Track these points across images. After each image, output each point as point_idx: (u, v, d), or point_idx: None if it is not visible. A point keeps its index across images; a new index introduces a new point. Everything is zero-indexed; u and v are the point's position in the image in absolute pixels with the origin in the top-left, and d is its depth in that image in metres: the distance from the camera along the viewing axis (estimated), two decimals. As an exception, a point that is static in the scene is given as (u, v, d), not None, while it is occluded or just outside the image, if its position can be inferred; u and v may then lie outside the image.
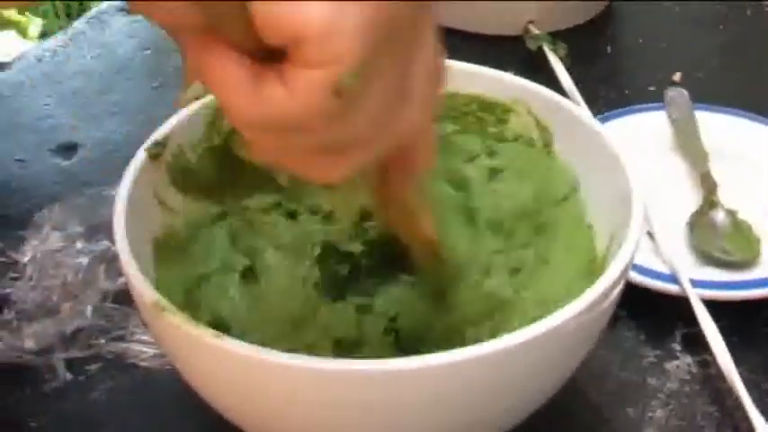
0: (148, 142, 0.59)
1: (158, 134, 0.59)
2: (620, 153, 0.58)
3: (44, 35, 2.20)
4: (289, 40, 0.38)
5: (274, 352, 0.47)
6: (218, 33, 0.39)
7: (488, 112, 0.64)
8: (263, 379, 0.48)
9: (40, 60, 0.99)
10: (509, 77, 0.64)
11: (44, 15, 2.34)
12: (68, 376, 0.64)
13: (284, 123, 0.40)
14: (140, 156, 0.58)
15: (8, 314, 0.67)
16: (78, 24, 1.06)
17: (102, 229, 0.72)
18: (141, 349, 0.65)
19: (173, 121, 0.60)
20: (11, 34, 2.28)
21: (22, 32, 2.28)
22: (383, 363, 0.47)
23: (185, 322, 0.48)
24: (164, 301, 0.49)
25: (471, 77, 0.64)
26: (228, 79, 0.40)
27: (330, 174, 0.44)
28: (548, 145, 0.63)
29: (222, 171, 0.61)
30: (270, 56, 0.39)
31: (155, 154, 0.58)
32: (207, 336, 0.48)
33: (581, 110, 0.62)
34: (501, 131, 0.64)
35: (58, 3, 2.36)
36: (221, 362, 0.48)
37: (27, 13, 2.34)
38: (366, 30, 0.38)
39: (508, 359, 0.48)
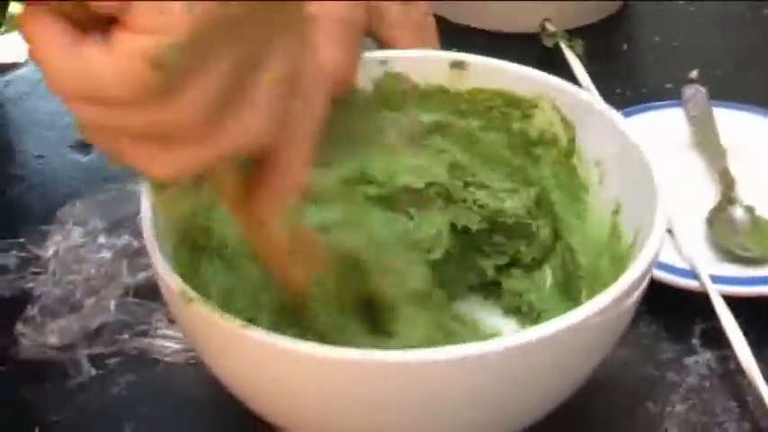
0: None
1: None
2: (644, 149, 0.58)
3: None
4: (116, 6, 0.37)
5: (302, 342, 0.47)
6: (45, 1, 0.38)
7: (513, 108, 0.64)
8: (290, 370, 0.48)
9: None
10: (534, 73, 0.64)
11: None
12: (92, 372, 0.65)
13: (98, 88, 0.38)
14: None
15: (31, 310, 0.67)
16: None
17: (123, 225, 0.72)
18: (164, 344, 0.65)
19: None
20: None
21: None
22: (407, 354, 0.47)
23: (213, 312, 0.49)
24: (191, 292, 0.50)
25: (496, 73, 0.64)
26: (47, 40, 0.38)
27: (155, 167, 0.42)
28: (571, 140, 0.63)
29: None
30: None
31: None
32: (235, 326, 0.48)
33: (605, 106, 0.62)
34: (525, 128, 0.65)
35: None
36: (249, 352, 0.49)
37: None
38: (201, 7, 0.37)
39: (530, 354, 0.48)
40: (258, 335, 0.47)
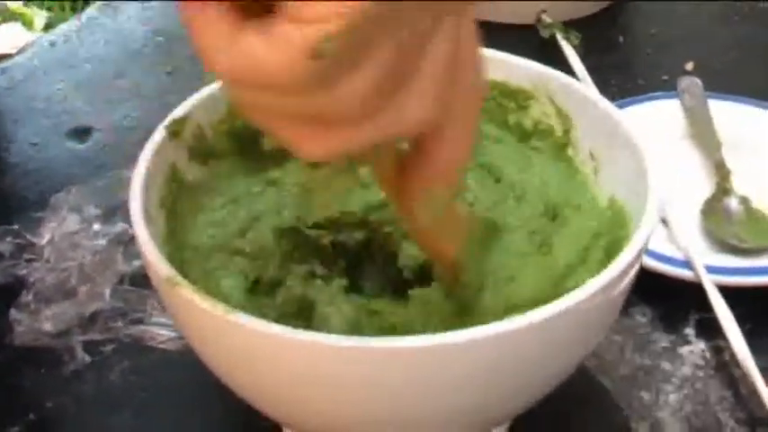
0: (168, 119, 0.59)
1: (178, 112, 0.59)
2: (639, 140, 0.58)
3: (49, 27, 2.20)
4: None
5: (286, 327, 0.47)
6: None
7: (509, 99, 0.64)
8: (274, 354, 0.48)
9: (53, 45, 0.99)
10: (530, 64, 0.64)
11: (49, 9, 2.34)
12: (87, 358, 0.65)
13: (258, 76, 0.39)
14: (159, 133, 0.58)
15: (26, 296, 0.67)
16: (90, 11, 1.06)
17: (118, 212, 0.72)
18: (159, 332, 0.65)
19: (192, 100, 0.60)
20: (16, 26, 2.28)
21: (28, 24, 2.29)
22: (396, 340, 0.47)
23: (197, 296, 0.49)
24: (177, 276, 0.50)
25: (492, 63, 0.64)
26: (208, 25, 0.39)
27: (313, 147, 0.43)
28: (566, 132, 0.63)
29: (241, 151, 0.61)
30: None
31: (174, 131, 0.59)
32: (218, 310, 0.48)
33: (600, 97, 0.62)
34: (520, 120, 0.65)
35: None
36: (231, 337, 0.49)
37: (32, 6, 2.35)
38: (361, 5, 0.37)
39: (521, 339, 0.48)
40: (241, 319, 0.47)
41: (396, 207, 0.52)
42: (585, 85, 0.64)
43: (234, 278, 0.57)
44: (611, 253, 0.58)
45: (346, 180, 0.53)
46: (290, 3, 0.37)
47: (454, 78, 0.44)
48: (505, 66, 0.65)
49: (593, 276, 0.50)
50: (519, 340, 0.48)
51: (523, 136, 0.65)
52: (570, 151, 0.63)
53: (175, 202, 0.58)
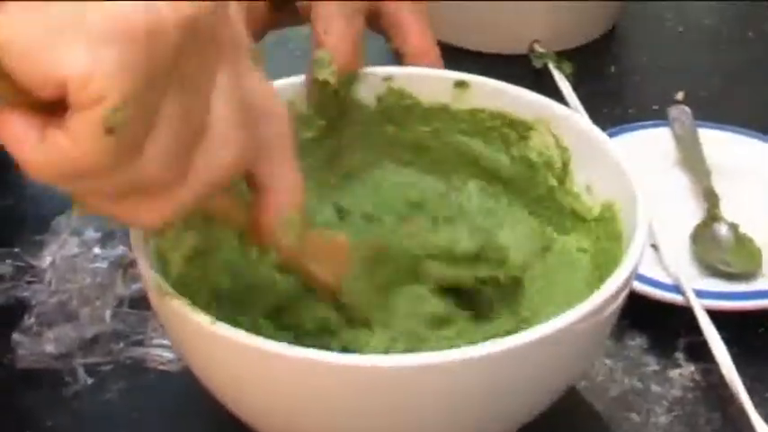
0: None
1: None
2: (633, 177, 0.59)
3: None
4: (55, 89, 0.39)
5: (268, 341, 0.48)
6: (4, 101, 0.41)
7: (511, 129, 0.66)
8: (256, 367, 0.49)
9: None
10: (532, 95, 0.65)
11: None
12: (88, 380, 0.65)
13: (72, 168, 0.41)
14: None
15: (28, 319, 0.68)
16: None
17: (118, 235, 0.73)
18: (160, 353, 0.66)
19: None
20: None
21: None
22: (375, 359, 0.48)
23: (184, 307, 0.50)
24: (166, 286, 0.51)
25: (496, 93, 0.66)
26: (15, 135, 0.41)
27: (142, 218, 0.45)
28: (566, 164, 0.64)
29: None
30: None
31: None
32: (204, 321, 0.49)
33: (598, 131, 0.63)
34: (524, 152, 0.66)
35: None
36: (216, 348, 0.50)
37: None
38: (126, 67, 0.39)
39: (510, 361, 0.49)
40: (226, 331, 0.49)
41: (258, 245, 0.54)
42: (584, 119, 0.64)
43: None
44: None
45: (199, 234, 0.57)
46: (68, 94, 0.39)
47: (251, 119, 0.47)
48: (509, 96, 0.66)
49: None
50: (509, 361, 0.49)
51: (529, 167, 0.66)
52: (568, 184, 0.65)
53: None
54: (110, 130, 0.39)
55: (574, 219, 0.64)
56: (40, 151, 0.40)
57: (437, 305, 0.61)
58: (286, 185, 0.51)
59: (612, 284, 0.52)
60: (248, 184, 0.51)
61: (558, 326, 0.49)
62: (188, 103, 0.43)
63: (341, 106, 0.66)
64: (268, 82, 0.50)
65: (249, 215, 0.52)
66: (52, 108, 0.40)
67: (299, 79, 0.66)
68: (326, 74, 0.63)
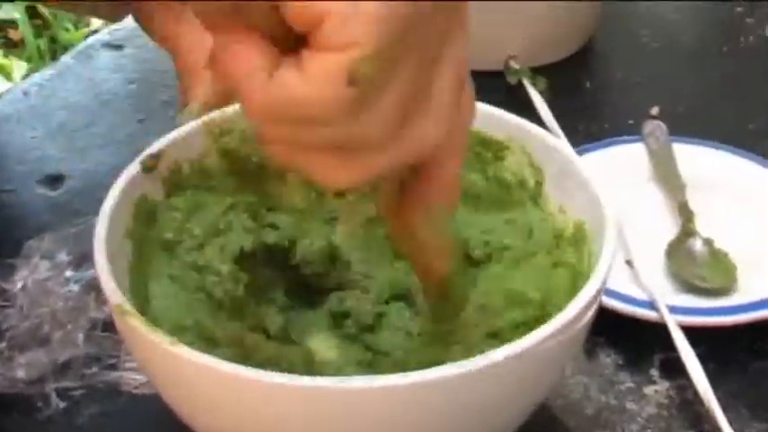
0: (143, 155, 0.60)
1: (154, 147, 0.61)
2: (603, 197, 0.59)
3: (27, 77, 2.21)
4: (308, 21, 0.38)
5: (225, 363, 0.48)
6: (243, 18, 0.39)
7: (486, 149, 0.66)
8: (213, 388, 0.49)
9: (26, 94, 1.00)
10: (505, 115, 0.65)
11: (28, 60, 2.35)
12: (61, 405, 0.65)
13: (297, 109, 0.39)
14: (132, 168, 0.60)
15: (0, 344, 0.67)
16: (65, 59, 1.07)
17: (90, 258, 0.72)
18: (133, 377, 0.66)
19: (168, 137, 0.62)
20: (-6, 78, 2.29)
21: (7, 75, 2.30)
22: (337, 380, 0.48)
23: (144, 326, 0.50)
24: (127, 305, 0.51)
25: None
26: (245, 61, 0.39)
27: (336, 176, 0.43)
28: (539, 184, 0.64)
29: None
30: (296, 47, 0.39)
31: (149, 166, 0.60)
32: (163, 342, 0.49)
33: (570, 150, 0.63)
34: (500, 173, 0.66)
35: (43, 45, 2.38)
36: (175, 368, 0.50)
37: (12, 58, 2.36)
38: (384, 18, 0.38)
39: (471, 383, 0.49)
40: (183, 352, 0.48)
41: (392, 227, 0.52)
42: (557, 138, 0.64)
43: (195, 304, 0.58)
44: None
45: (369, 206, 0.54)
46: (317, 32, 0.38)
47: (459, 101, 0.45)
48: (482, 115, 0.65)
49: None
50: (469, 383, 0.49)
51: (504, 188, 0.66)
52: (542, 203, 0.65)
53: (142, 233, 0.59)
54: (353, 80, 0.38)
55: (548, 238, 0.64)
56: (269, 85, 0.39)
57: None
58: (452, 176, 0.49)
59: (577, 304, 0.52)
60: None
61: (523, 345, 0.49)
62: (421, 68, 0.42)
63: None
64: (470, 79, 0.48)
65: (399, 191, 0.49)
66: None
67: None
68: None
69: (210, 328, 0.56)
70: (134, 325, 0.50)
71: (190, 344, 0.50)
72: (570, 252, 0.61)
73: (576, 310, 0.51)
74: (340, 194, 0.53)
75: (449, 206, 0.50)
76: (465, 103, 0.47)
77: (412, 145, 0.44)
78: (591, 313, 0.53)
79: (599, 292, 0.53)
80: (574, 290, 0.58)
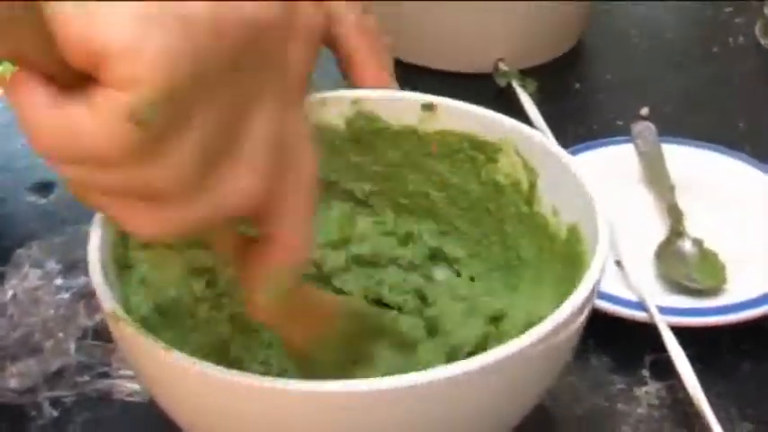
0: None
1: None
2: (595, 197, 0.59)
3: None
4: (90, 57, 0.36)
5: (219, 368, 0.48)
6: (18, 60, 0.38)
7: (479, 151, 0.65)
8: (209, 394, 0.49)
9: (17, 102, 1.00)
10: (498, 117, 0.65)
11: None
12: (54, 414, 0.65)
13: (80, 147, 0.37)
14: None
15: (-10, 354, 0.68)
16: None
17: (79, 266, 0.73)
18: (126, 385, 0.66)
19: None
20: (-14, 85, 2.29)
21: (2, 83, 2.29)
22: (324, 384, 0.47)
23: (138, 333, 0.50)
24: (120, 312, 0.51)
25: (463, 115, 0.65)
26: (33, 101, 0.37)
27: (145, 227, 0.41)
28: (532, 186, 0.64)
29: None
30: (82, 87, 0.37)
31: None
32: (157, 348, 0.49)
33: (562, 151, 0.63)
34: (493, 175, 0.66)
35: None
36: (170, 374, 0.50)
37: (5, 63, 2.36)
38: (173, 57, 0.36)
39: (464, 385, 0.49)
40: (178, 358, 0.48)
41: (239, 286, 0.50)
42: (549, 140, 0.64)
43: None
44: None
45: (182, 259, 0.54)
46: (102, 67, 0.36)
47: (281, 157, 0.43)
48: (475, 118, 0.65)
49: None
50: (463, 386, 0.49)
51: (497, 189, 0.66)
52: (536, 206, 0.65)
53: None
54: (137, 120, 0.36)
55: (542, 240, 0.64)
56: (52, 118, 0.37)
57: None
58: (293, 241, 0.46)
59: (569, 307, 0.52)
60: (254, 224, 0.46)
61: (514, 348, 0.49)
62: (228, 116, 0.40)
63: None
64: (307, 125, 0.46)
65: (243, 257, 0.47)
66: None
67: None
68: None
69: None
70: (129, 332, 0.50)
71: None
72: (563, 254, 0.61)
73: (567, 313, 0.51)
74: (147, 245, 0.53)
75: (289, 272, 0.47)
76: (303, 161, 0.45)
77: (224, 198, 0.41)
78: (584, 315, 0.53)
79: (592, 294, 0.53)
80: (566, 292, 0.58)
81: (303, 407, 0.48)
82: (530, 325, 0.52)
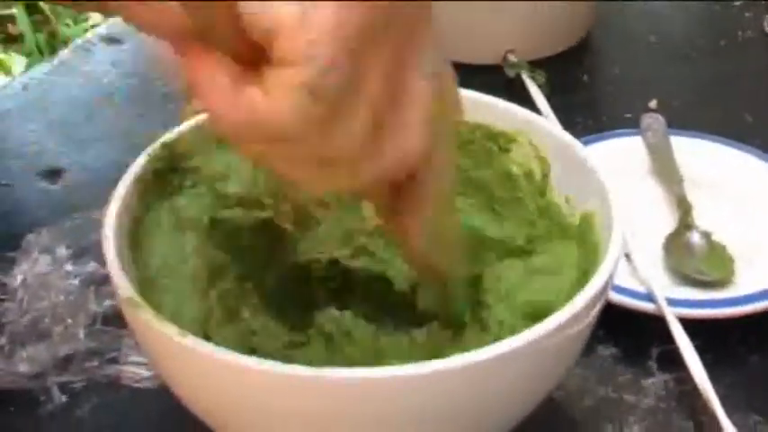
0: (151, 148, 0.60)
1: (162, 140, 0.61)
2: (609, 187, 0.59)
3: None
4: (264, 36, 0.37)
5: (236, 354, 0.48)
6: (206, 38, 0.39)
7: (492, 141, 0.66)
8: (224, 380, 0.49)
9: (25, 88, 1.00)
10: (512, 107, 0.65)
11: (28, 54, 2.35)
12: (63, 399, 0.65)
13: (263, 126, 0.39)
14: (141, 160, 0.60)
15: (0, 339, 0.67)
16: (64, 53, 1.07)
17: (89, 252, 0.73)
18: (135, 371, 0.66)
19: (176, 131, 0.62)
20: (-6, 72, 2.29)
21: (6, 70, 2.30)
22: (346, 371, 0.48)
23: (154, 319, 0.50)
24: (137, 298, 0.51)
25: (475, 105, 0.65)
26: (210, 81, 0.39)
27: (320, 187, 0.44)
28: (545, 176, 0.64)
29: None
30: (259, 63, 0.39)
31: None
32: (173, 333, 0.49)
33: (575, 141, 0.63)
34: (507, 164, 0.66)
35: (43, 40, 2.38)
36: (186, 360, 0.50)
37: (11, 53, 2.36)
38: (340, 29, 0.37)
39: (482, 373, 0.49)
40: (194, 344, 0.49)
41: (391, 233, 0.52)
42: (562, 130, 0.64)
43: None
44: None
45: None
46: (274, 46, 0.37)
47: (440, 109, 0.44)
48: (489, 108, 0.66)
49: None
50: (481, 374, 0.49)
51: (511, 180, 0.66)
52: (549, 195, 0.65)
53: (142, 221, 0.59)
54: (314, 92, 0.37)
55: (555, 230, 0.64)
56: (234, 104, 0.38)
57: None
58: (442, 183, 0.48)
59: (584, 296, 0.52)
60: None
61: (528, 338, 0.49)
62: (390, 77, 0.41)
63: None
64: (455, 86, 0.48)
65: (393, 197, 0.48)
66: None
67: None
68: None
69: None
70: (145, 318, 0.50)
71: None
72: (577, 243, 0.61)
73: (583, 303, 0.51)
74: (324, 204, 0.53)
75: (442, 212, 0.49)
76: (452, 105, 0.46)
77: (392, 157, 0.43)
78: (599, 305, 0.54)
79: (607, 285, 0.53)
80: (580, 282, 0.58)
81: (319, 393, 0.48)
82: (543, 315, 0.52)
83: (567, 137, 0.64)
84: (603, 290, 0.53)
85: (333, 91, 0.38)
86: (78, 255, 0.73)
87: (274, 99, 0.38)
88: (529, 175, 0.65)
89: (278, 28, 0.37)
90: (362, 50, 0.39)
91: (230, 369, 0.48)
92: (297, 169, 0.42)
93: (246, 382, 0.48)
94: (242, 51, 0.39)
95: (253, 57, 0.39)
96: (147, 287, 0.56)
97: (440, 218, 0.49)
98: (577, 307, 0.51)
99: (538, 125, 0.65)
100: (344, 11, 0.37)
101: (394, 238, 0.52)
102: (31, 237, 0.74)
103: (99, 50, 1.07)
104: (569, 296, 0.56)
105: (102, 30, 1.10)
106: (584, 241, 0.61)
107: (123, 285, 0.52)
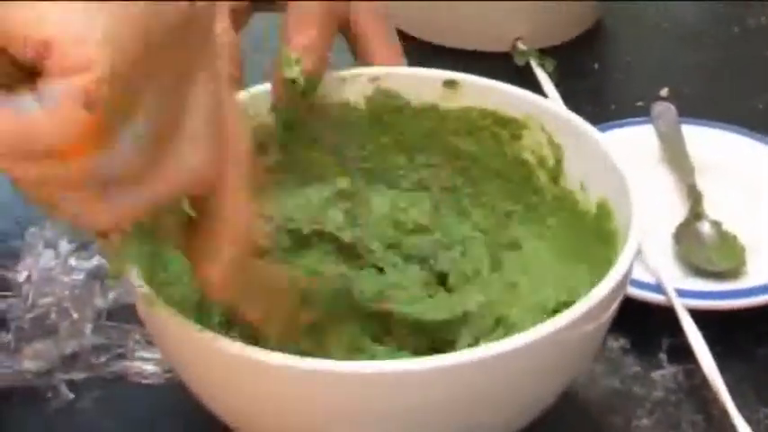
0: None
1: None
2: (625, 172, 0.59)
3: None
4: (36, 48, 0.36)
5: (256, 349, 0.48)
6: None
7: (502, 128, 0.65)
8: (244, 375, 0.49)
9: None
10: (522, 93, 0.65)
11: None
12: (70, 396, 0.65)
13: (37, 140, 0.37)
14: None
15: (6, 336, 0.67)
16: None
17: (92, 246, 0.72)
18: (143, 367, 0.66)
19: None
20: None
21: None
22: (363, 365, 0.48)
23: (172, 315, 0.50)
24: (153, 295, 0.51)
25: (486, 92, 0.65)
26: None
27: (95, 217, 0.41)
28: (558, 162, 0.64)
29: None
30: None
31: None
32: (191, 330, 0.49)
33: (589, 127, 0.62)
34: (518, 151, 0.65)
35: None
36: (203, 356, 0.50)
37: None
38: (120, 39, 0.37)
39: (497, 366, 0.48)
40: (211, 339, 0.48)
41: (192, 270, 0.50)
42: (576, 115, 0.64)
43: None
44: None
45: (142, 246, 0.54)
46: (49, 57, 0.36)
47: (219, 133, 0.44)
48: (499, 94, 0.65)
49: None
50: (494, 367, 0.48)
51: (522, 166, 0.66)
52: (562, 182, 0.64)
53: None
54: (90, 104, 0.36)
55: (569, 217, 0.64)
56: (4, 116, 0.37)
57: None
58: (235, 215, 0.46)
59: (604, 288, 0.51)
60: (193, 207, 0.47)
61: (541, 332, 0.49)
62: (169, 95, 0.40)
63: (305, 109, 0.65)
64: (238, 104, 0.48)
65: (189, 239, 0.48)
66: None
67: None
68: (294, 73, 0.62)
69: None
70: (162, 315, 0.50)
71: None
72: (594, 230, 0.61)
73: (602, 294, 0.51)
74: (103, 235, 0.52)
75: (238, 250, 0.47)
76: (238, 136, 0.46)
77: (175, 175, 0.42)
78: (619, 297, 0.53)
79: (627, 276, 0.53)
80: (599, 271, 0.57)
81: (335, 387, 0.48)
82: (560, 305, 0.51)
83: (580, 121, 0.63)
84: (624, 280, 0.53)
85: (109, 101, 0.37)
86: (82, 249, 0.72)
87: (47, 108, 0.36)
88: (542, 161, 0.64)
89: (55, 39, 0.36)
90: (142, 67, 0.38)
91: (248, 364, 0.48)
92: (73, 200, 0.40)
93: (262, 376, 0.48)
94: (9, 72, 0.37)
95: (21, 77, 0.37)
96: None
97: (236, 257, 0.47)
98: (594, 300, 0.51)
99: (549, 110, 0.64)
100: (125, 27, 0.37)
101: (196, 277, 0.50)
102: (34, 231, 0.74)
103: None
104: (589, 288, 0.56)
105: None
106: (601, 228, 0.60)
107: (139, 283, 0.52)
